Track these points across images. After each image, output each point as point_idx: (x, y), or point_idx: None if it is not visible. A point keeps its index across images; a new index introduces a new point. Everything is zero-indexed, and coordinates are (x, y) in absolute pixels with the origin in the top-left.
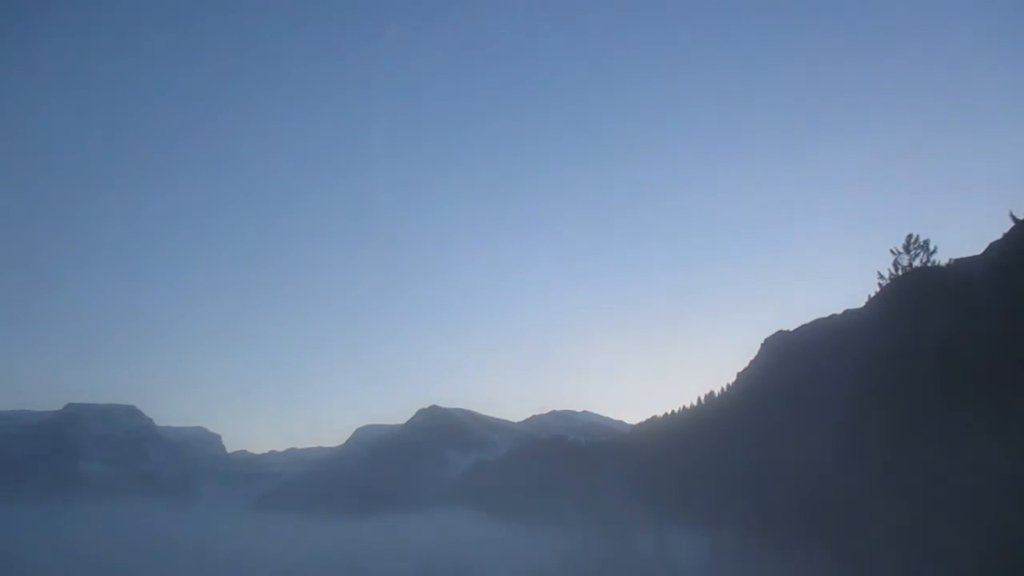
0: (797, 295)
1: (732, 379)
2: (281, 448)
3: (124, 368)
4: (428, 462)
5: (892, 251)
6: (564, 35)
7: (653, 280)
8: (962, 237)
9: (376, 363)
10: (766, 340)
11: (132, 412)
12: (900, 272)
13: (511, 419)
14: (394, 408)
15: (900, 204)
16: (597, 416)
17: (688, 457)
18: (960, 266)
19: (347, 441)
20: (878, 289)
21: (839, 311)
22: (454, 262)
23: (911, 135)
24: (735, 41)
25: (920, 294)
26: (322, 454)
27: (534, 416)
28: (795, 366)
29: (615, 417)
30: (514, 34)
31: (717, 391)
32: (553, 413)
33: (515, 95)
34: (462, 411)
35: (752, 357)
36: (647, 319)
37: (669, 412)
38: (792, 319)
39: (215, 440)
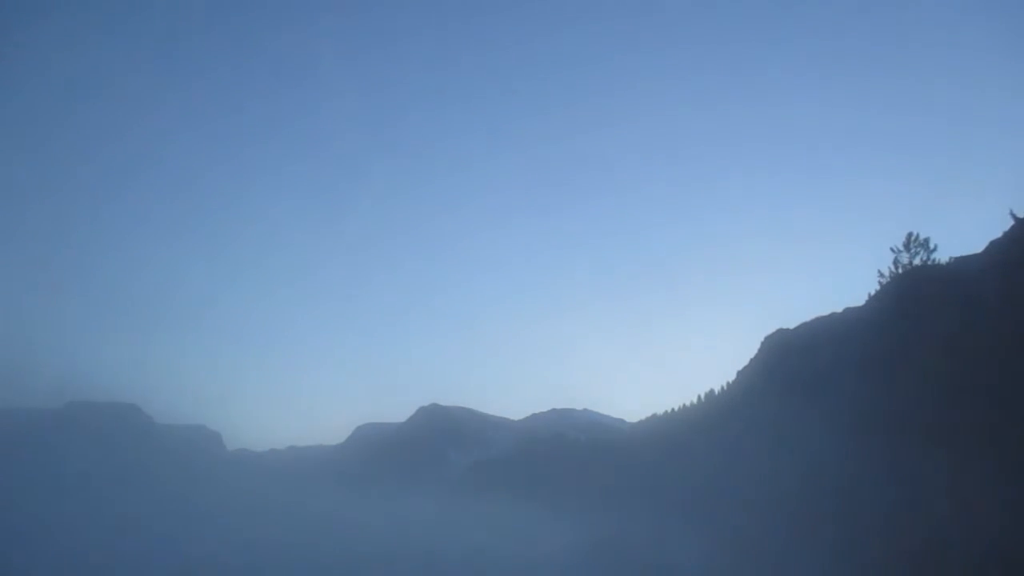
0: (797, 293)
1: (732, 377)
2: (281, 446)
3: (125, 366)
4: (428, 460)
5: (892, 249)
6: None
7: (653, 278)
8: (962, 236)
9: (376, 361)
10: (766, 338)
11: (133, 410)
12: (900, 270)
13: (511, 417)
14: (394, 406)
15: (900, 202)
16: (597, 414)
17: (688, 455)
18: (960, 265)
19: (347, 439)
20: (878, 287)
21: (839, 309)
22: (454, 259)
23: (911, 133)
24: (734, 37)
25: (920, 292)
26: (322, 452)
27: (534, 414)
28: (795, 364)
29: (615, 415)
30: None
31: (717, 389)
32: (553, 411)
33: (522, 95)
34: (462, 409)
35: (752, 355)
36: (647, 317)
37: (669, 410)
38: (792, 317)
39: (215, 438)
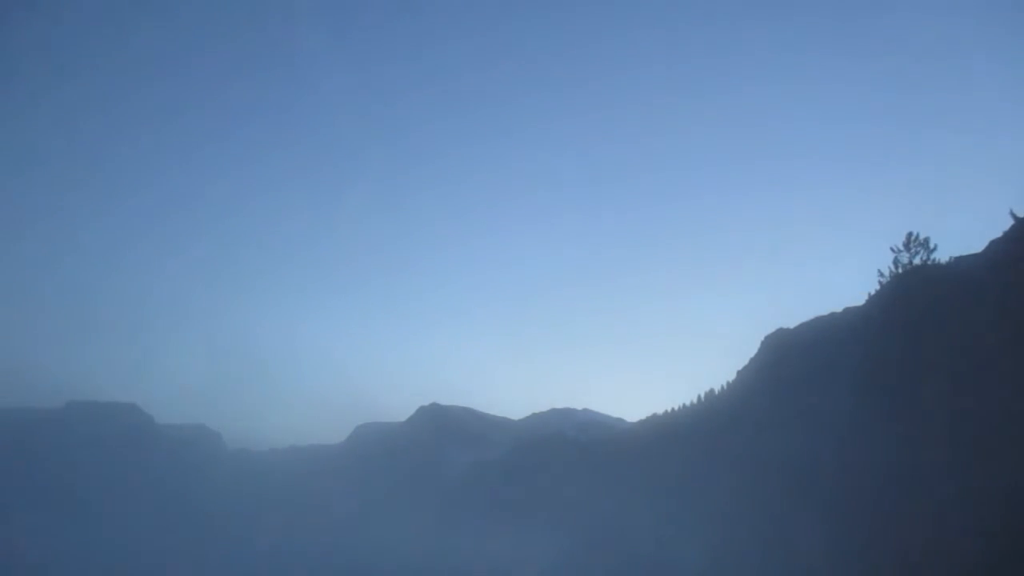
0: (797, 293)
1: (732, 377)
2: (281, 446)
3: (125, 366)
4: (428, 459)
5: (892, 249)
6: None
7: (653, 277)
8: (962, 235)
9: (376, 361)
10: (766, 338)
11: (132, 410)
12: (900, 270)
13: (511, 417)
14: (394, 406)
15: (900, 202)
16: (597, 414)
17: (688, 454)
18: (960, 264)
19: (347, 439)
20: (878, 287)
21: (839, 309)
22: (453, 259)
23: (911, 132)
24: (732, 39)
25: (920, 292)
26: (322, 452)
27: (534, 414)
28: (795, 364)
29: (615, 415)
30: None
31: (717, 389)
32: (553, 410)
33: (520, 88)
34: (462, 408)
35: (752, 355)
36: (647, 316)
37: (669, 410)
38: (792, 317)
39: (215, 438)
